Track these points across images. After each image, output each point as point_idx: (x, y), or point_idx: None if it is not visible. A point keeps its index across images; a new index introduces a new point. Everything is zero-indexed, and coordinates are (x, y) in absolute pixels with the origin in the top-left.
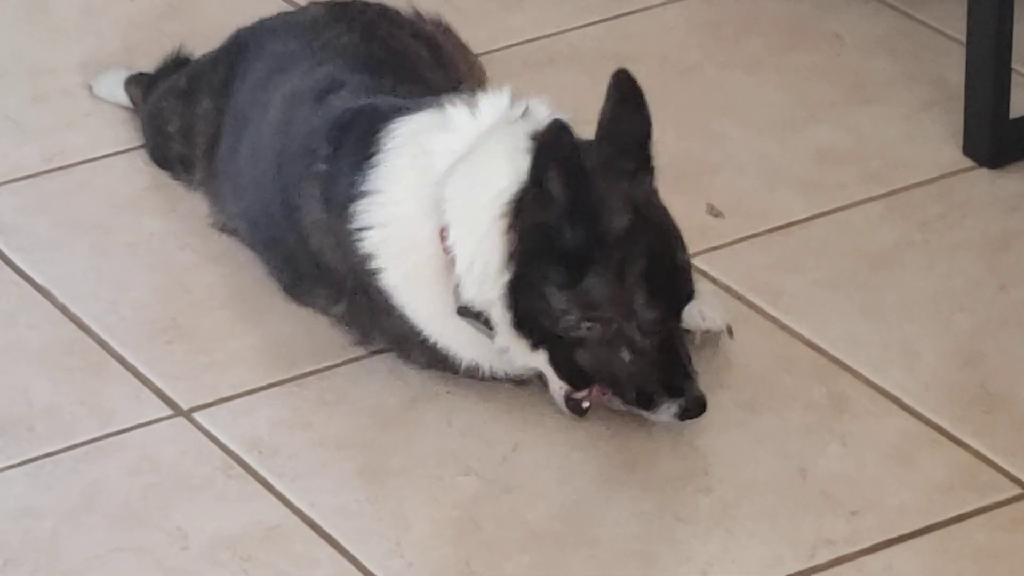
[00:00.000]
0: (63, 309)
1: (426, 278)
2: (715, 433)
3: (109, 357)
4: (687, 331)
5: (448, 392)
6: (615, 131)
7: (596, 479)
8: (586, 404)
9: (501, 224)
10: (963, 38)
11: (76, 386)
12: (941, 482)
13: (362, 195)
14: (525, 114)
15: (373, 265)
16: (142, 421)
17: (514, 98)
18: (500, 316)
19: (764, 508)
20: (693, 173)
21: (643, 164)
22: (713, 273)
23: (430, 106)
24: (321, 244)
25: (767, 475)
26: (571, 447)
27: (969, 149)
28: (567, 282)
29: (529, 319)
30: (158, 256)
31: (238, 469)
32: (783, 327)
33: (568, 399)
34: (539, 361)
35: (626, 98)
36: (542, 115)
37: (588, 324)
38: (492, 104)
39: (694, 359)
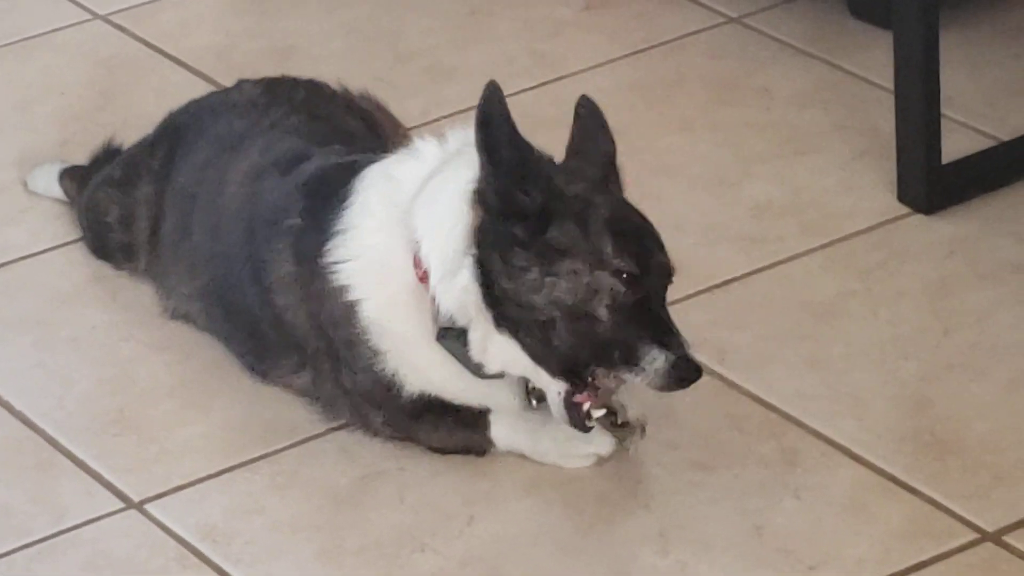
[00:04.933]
0: (8, 407)
1: (403, 306)
2: (669, 494)
3: (58, 453)
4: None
5: (400, 468)
6: (582, 148)
7: (552, 548)
8: (587, 406)
9: (464, 210)
10: (891, 86)
11: (27, 484)
12: (897, 531)
13: (336, 234)
14: None
15: (350, 297)
16: (94, 516)
17: None
18: (473, 302)
19: (722, 567)
20: None
21: (611, 175)
22: None
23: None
24: (285, 301)
25: (723, 534)
26: (526, 516)
27: (904, 196)
28: (530, 237)
29: (496, 292)
30: (102, 348)
31: (193, 559)
32: (731, 384)
33: (569, 406)
34: (518, 362)
35: (591, 120)
36: None
37: (551, 279)
38: (459, 134)
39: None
